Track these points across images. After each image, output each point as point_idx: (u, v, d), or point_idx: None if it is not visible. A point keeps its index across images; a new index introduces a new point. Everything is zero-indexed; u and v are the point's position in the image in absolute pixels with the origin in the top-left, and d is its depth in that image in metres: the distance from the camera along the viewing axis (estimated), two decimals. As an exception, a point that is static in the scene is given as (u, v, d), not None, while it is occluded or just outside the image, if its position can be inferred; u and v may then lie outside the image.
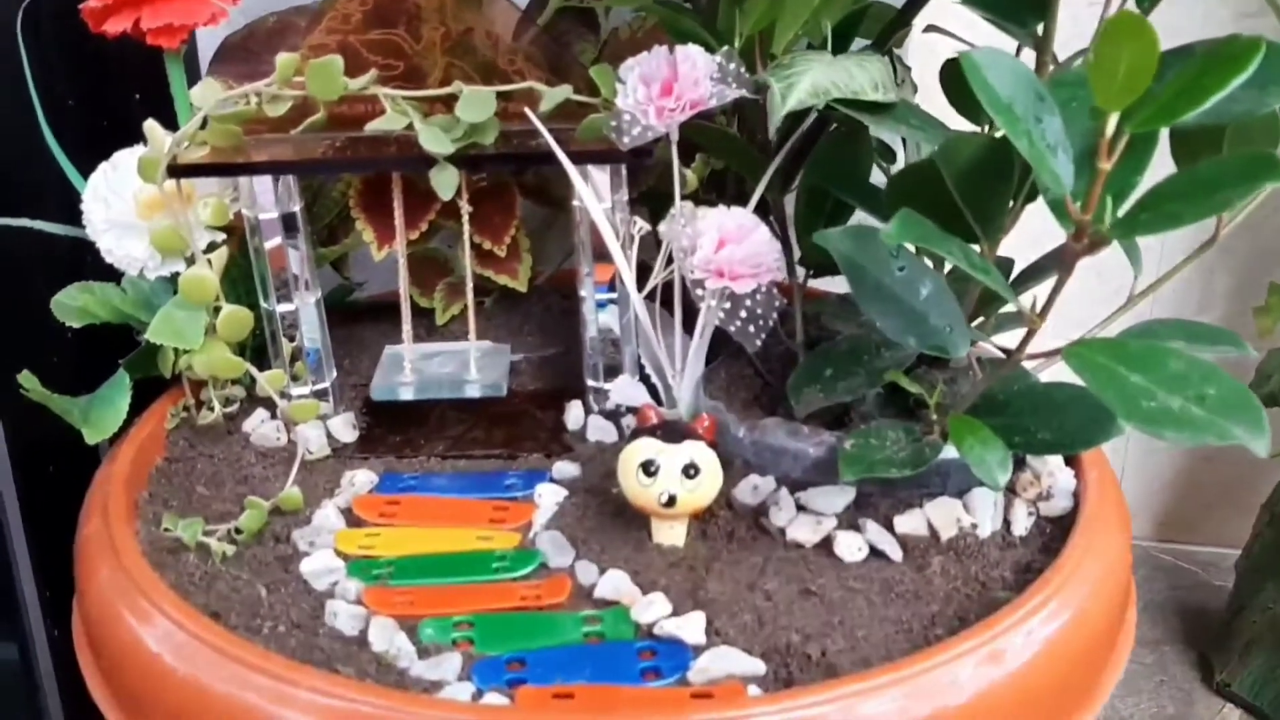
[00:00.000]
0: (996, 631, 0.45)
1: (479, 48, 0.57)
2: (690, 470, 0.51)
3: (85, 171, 0.71)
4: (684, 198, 0.60)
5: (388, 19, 0.56)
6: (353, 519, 0.56)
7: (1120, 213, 0.44)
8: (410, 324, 0.64)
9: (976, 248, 0.56)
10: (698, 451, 0.51)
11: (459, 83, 0.54)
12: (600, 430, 0.62)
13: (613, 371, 0.63)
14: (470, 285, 0.63)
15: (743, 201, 0.62)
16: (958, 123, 0.60)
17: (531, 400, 0.65)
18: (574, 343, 0.65)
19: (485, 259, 0.65)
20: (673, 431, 0.52)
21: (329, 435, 0.61)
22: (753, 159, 0.61)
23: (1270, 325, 1.05)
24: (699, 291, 0.56)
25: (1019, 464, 0.56)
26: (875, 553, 0.52)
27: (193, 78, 0.75)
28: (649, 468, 0.51)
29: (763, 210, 0.63)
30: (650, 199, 0.70)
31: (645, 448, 0.51)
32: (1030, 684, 0.46)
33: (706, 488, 0.52)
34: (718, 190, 0.68)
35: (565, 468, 0.59)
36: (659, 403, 0.62)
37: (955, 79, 0.65)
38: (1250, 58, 0.41)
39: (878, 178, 0.69)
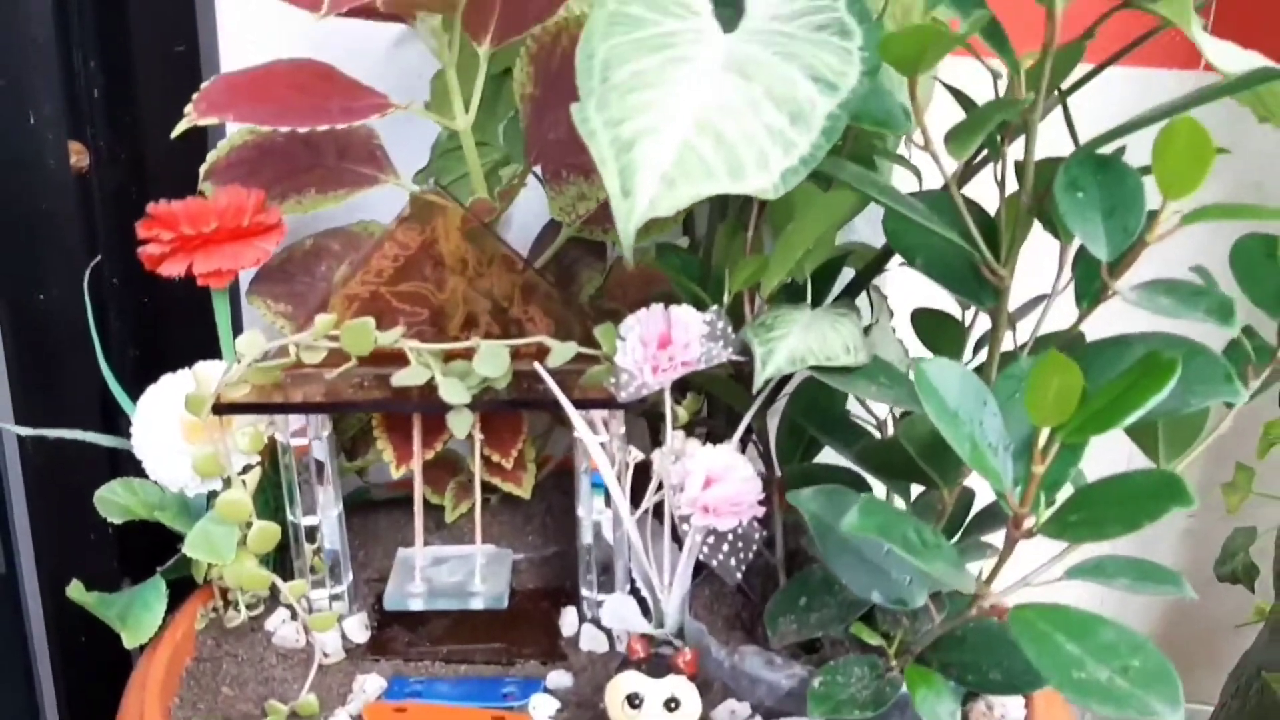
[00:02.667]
0: None
1: (496, 296, 0.63)
2: (671, 704, 0.56)
3: (116, 338, 0.78)
4: (676, 428, 0.66)
5: (416, 271, 0.63)
6: (363, 727, 0.61)
7: (1055, 508, 0.50)
8: (423, 526, 0.69)
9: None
10: (679, 686, 0.57)
11: (476, 338, 0.61)
12: (593, 640, 0.67)
13: (606, 571, 0.69)
14: (479, 494, 0.69)
15: (732, 420, 0.69)
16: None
17: (531, 599, 0.71)
18: (572, 542, 0.70)
19: (494, 468, 0.71)
20: (657, 666, 0.57)
21: (344, 636, 0.67)
22: (739, 392, 0.67)
23: (1237, 503, 1.11)
24: (685, 527, 0.62)
25: (973, 694, 0.62)
26: (839, 782, 0.57)
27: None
28: (633, 700, 0.56)
29: (748, 429, 0.70)
30: (649, 414, 0.76)
31: (630, 681, 0.57)
32: None
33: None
34: (709, 408, 0.75)
35: (559, 677, 0.64)
36: (648, 614, 0.68)
37: (924, 324, 0.72)
38: (1168, 377, 0.47)
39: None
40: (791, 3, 0.55)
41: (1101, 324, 0.58)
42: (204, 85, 0.64)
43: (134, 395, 0.69)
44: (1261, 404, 1.06)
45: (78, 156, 0.86)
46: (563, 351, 0.61)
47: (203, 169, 0.72)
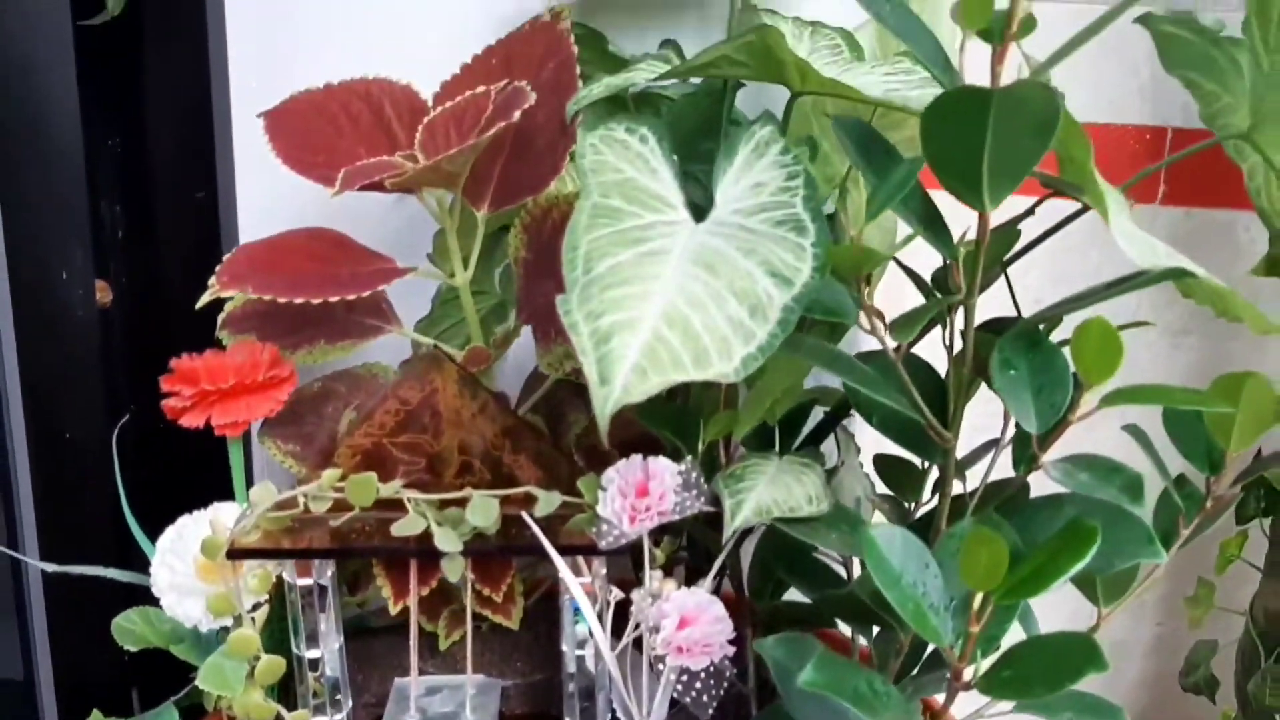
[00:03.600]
0: None
1: (488, 444, 0.69)
2: (645, 836, 0.61)
3: (133, 460, 0.83)
4: (654, 568, 0.71)
5: (415, 423, 0.68)
6: None
7: (991, 663, 0.55)
8: (418, 657, 0.74)
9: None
10: (652, 818, 0.61)
11: (470, 486, 0.66)
12: (575, 768, 0.72)
13: (589, 700, 0.74)
14: (470, 627, 0.74)
15: (708, 557, 0.74)
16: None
17: (518, 726, 0.76)
18: (559, 669, 0.75)
19: (484, 601, 0.76)
20: (632, 799, 0.62)
21: (342, 762, 0.72)
22: (713, 534, 0.73)
23: (1199, 617, 1.15)
24: (660, 666, 0.67)
25: (929, 826, 0.66)
26: None
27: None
28: (611, 832, 0.61)
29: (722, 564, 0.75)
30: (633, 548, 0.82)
31: (608, 814, 0.61)
32: None
33: None
34: (689, 543, 0.80)
35: (542, 806, 0.69)
36: (628, 742, 0.72)
37: (885, 468, 0.78)
38: (1089, 546, 0.53)
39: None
40: (756, 196, 0.62)
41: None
42: (226, 257, 0.70)
43: (149, 517, 0.74)
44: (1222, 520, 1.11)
45: (101, 293, 0.93)
46: (548, 501, 0.66)
47: (220, 318, 0.79)
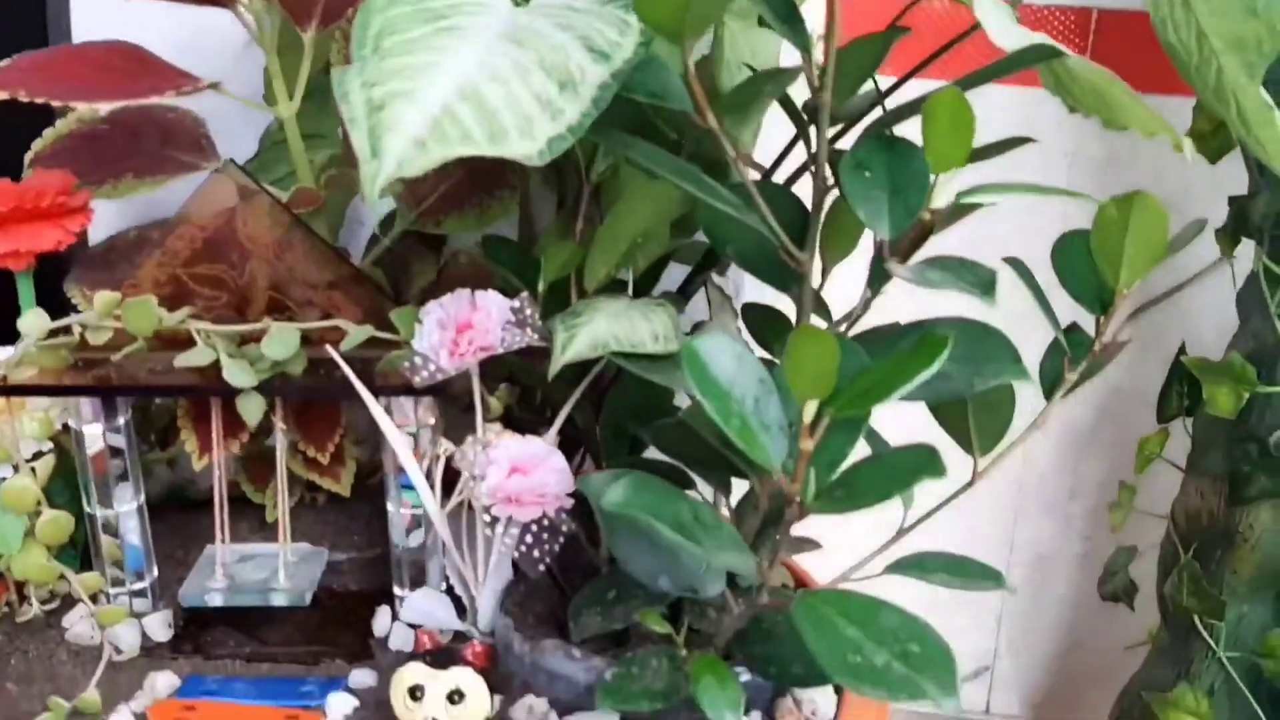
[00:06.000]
0: None
1: (303, 285, 0.62)
2: (454, 696, 0.54)
3: None
4: (494, 420, 0.65)
5: (217, 255, 0.61)
6: (146, 725, 0.58)
7: (823, 487, 0.48)
8: (228, 526, 0.67)
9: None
10: (464, 678, 0.55)
11: (267, 319, 0.59)
12: (403, 639, 0.65)
13: (421, 569, 0.67)
14: (283, 485, 0.66)
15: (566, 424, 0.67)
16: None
17: (347, 601, 0.69)
18: (395, 545, 0.68)
19: (311, 464, 0.69)
20: (441, 657, 0.55)
21: (145, 634, 0.64)
22: (560, 386, 0.66)
23: (1120, 520, 1.10)
24: (486, 517, 0.60)
25: (780, 691, 0.60)
26: (632, 779, 0.55)
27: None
28: (415, 693, 0.54)
29: (577, 434, 0.68)
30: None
31: (413, 673, 0.55)
32: None
33: (471, 714, 0.55)
34: (544, 407, 0.73)
35: (362, 676, 0.62)
36: (463, 613, 0.66)
37: (753, 319, 0.71)
38: (936, 354, 0.46)
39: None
40: (584, -21, 0.55)
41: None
42: (3, 62, 0.62)
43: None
44: (1147, 420, 1.05)
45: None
46: (358, 335, 0.59)
47: (27, 157, 0.71)
